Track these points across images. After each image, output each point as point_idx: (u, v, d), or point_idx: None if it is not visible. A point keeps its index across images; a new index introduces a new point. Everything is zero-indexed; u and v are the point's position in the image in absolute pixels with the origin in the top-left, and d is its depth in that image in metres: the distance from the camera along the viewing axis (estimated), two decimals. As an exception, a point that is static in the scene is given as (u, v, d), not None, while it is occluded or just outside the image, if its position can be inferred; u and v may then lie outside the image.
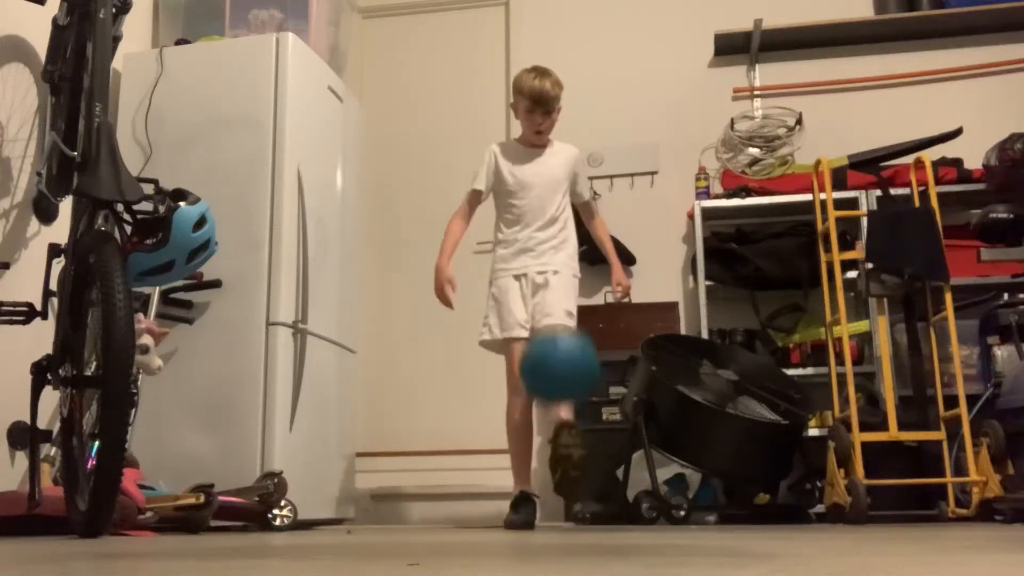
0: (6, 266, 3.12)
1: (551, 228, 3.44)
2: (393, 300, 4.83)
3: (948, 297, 3.41)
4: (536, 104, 3.41)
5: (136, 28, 4.01)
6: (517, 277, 3.42)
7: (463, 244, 4.85)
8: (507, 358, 3.39)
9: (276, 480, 3.20)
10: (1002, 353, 3.56)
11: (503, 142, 3.66)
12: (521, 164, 3.50)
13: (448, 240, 3.48)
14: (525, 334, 3.33)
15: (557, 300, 3.36)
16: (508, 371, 3.39)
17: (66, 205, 2.89)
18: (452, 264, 3.43)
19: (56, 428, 2.61)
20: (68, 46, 2.99)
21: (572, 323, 3.38)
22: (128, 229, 2.40)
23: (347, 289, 4.21)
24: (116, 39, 3.04)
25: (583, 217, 3.69)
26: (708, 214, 4.36)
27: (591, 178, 4.34)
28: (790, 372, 4.06)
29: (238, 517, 3.15)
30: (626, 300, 3.70)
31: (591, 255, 4.04)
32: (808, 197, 3.87)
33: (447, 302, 3.42)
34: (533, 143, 3.52)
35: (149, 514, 2.68)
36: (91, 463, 2.22)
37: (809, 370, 4.11)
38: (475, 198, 3.54)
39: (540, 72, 3.43)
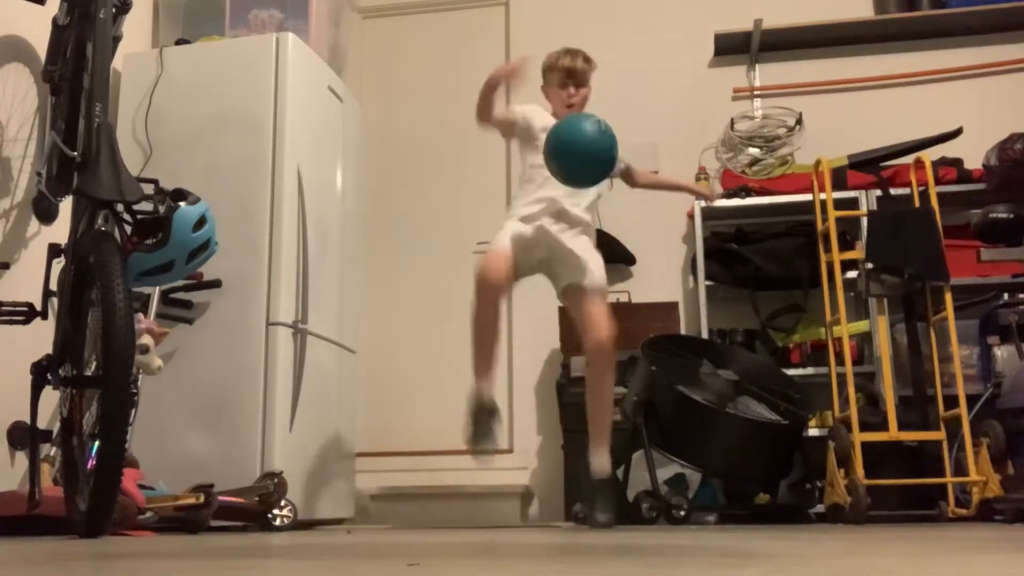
0: (6, 266, 3.12)
1: (576, 198, 3.21)
2: (393, 300, 4.83)
3: (948, 297, 3.41)
4: (569, 76, 3.36)
5: (136, 28, 4.01)
6: (524, 220, 3.19)
7: (464, 244, 4.85)
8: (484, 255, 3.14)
9: (276, 480, 3.20)
10: (1002, 353, 3.56)
11: (539, 107, 3.49)
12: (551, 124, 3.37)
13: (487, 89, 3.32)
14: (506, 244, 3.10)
15: (590, 258, 3.18)
16: (479, 265, 3.11)
17: (66, 205, 2.89)
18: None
19: (56, 428, 2.61)
20: (68, 46, 2.99)
21: (605, 284, 3.21)
22: (128, 229, 2.40)
23: (347, 289, 4.21)
24: (116, 39, 3.04)
25: (631, 183, 3.56)
26: (708, 214, 4.36)
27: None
28: (790, 372, 4.06)
29: (238, 517, 3.15)
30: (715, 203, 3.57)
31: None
32: (808, 197, 3.87)
33: (515, 69, 3.27)
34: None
35: (149, 514, 2.68)
36: (91, 463, 2.22)
37: (809, 370, 4.11)
38: (506, 116, 3.38)
39: (571, 51, 3.41)
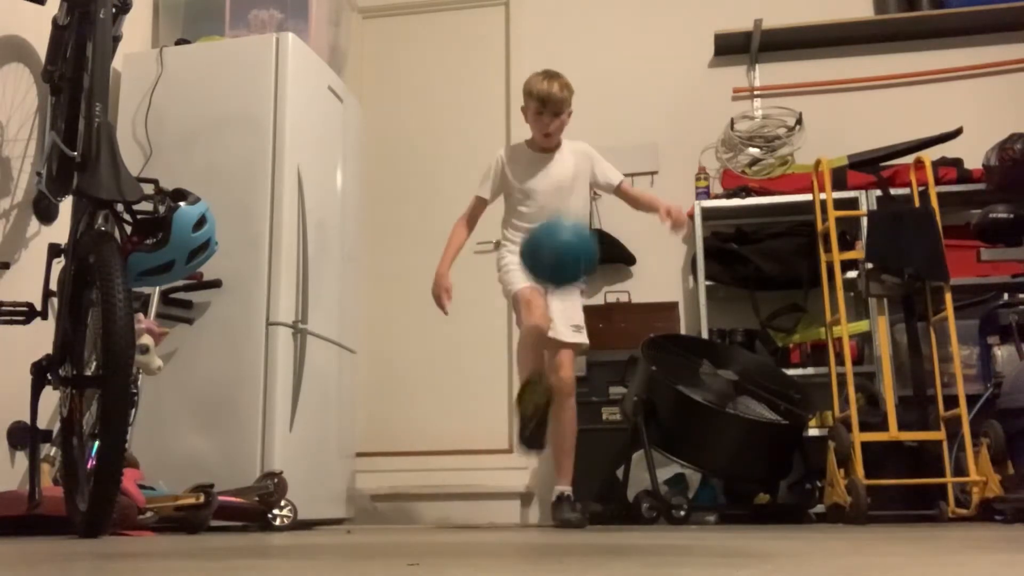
0: (6, 266, 3.12)
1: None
2: (393, 300, 4.83)
3: (948, 297, 3.41)
4: (544, 105, 3.40)
5: (136, 28, 4.01)
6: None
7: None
8: (516, 310, 3.40)
9: (276, 480, 3.20)
10: (1002, 353, 3.56)
11: (513, 145, 3.64)
12: (529, 170, 3.47)
13: (450, 246, 3.48)
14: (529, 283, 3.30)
15: (568, 312, 3.37)
16: (520, 321, 3.39)
17: (66, 205, 2.89)
18: (451, 270, 3.41)
19: (56, 428, 2.61)
20: (68, 46, 2.99)
21: (581, 338, 3.39)
22: (128, 229, 2.40)
23: (347, 289, 4.21)
24: (116, 39, 3.04)
25: (628, 203, 3.62)
26: (708, 214, 4.36)
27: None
28: (790, 372, 4.06)
29: (238, 517, 3.15)
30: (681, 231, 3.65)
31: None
32: (808, 197, 3.87)
33: (443, 308, 3.43)
34: (542, 146, 3.50)
35: (149, 514, 2.68)
36: (91, 463, 2.22)
37: (809, 370, 4.11)
38: (480, 205, 3.53)
39: (549, 75, 3.44)
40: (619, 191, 3.59)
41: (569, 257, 2.95)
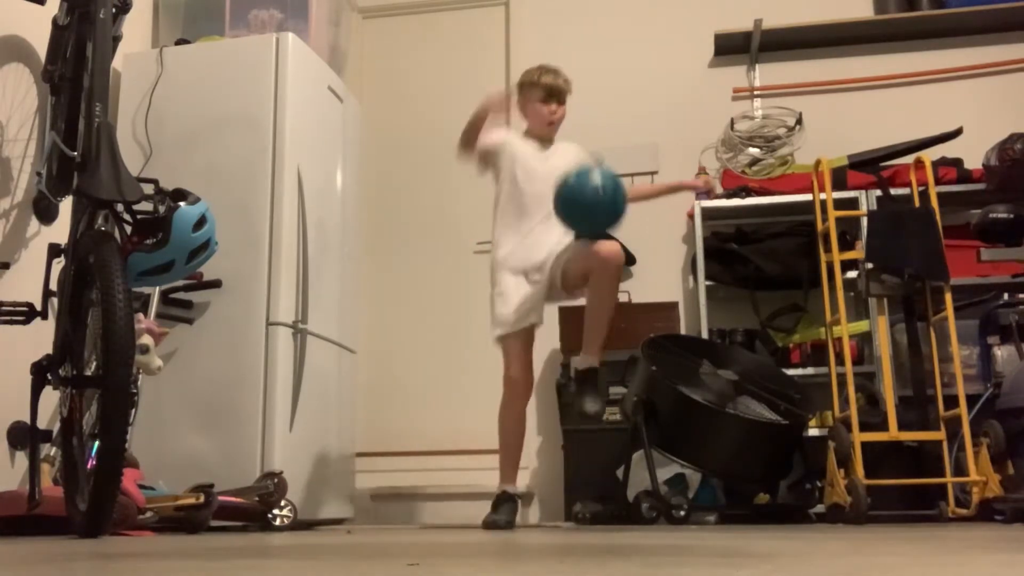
0: (6, 266, 3.13)
1: (549, 221, 3.38)
2: (393, 300, 4.83)
3: (948, 297, 3.41)
4: (551, 95, 3.47)
5: (136, 28, 4.01)
6: (515, 272, 3.41)
7: (464, 243, 4.86)
8: (504, 354, 3.39)
9: (276, 480, 3.20)
10: (1002, 353, 3.56)
11: (518, 135, 3.65)
12: (531, 153, 3.49)
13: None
14: (524, 324, 3.35)
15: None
16: (505, 367, 3.39)
17: (66, 205, 2.89)
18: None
19: (56, 428, 2.61)
20: (68, 46, 2.99)
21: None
22: (128, 229, 2.40)
23: (347, 289, 4.21)
24: (116, 39, 3.04)
25: (636, 200, 3.64)
26: (708, 214, 4.36)
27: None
28: (790, 372, 4.06)
29: (238, 517, 3.15)
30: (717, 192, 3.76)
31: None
32: (808, 197, 3.87)
33: (495, 98, 3.39)
34: (542, 135, 3.52)
35: (149, 514, 2.68)
36: (91, 463, 2.22)
37: (809, 370, 4.11)
38: (492, 145, 3.48)
39: (550, 68, 3.52)
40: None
41: (606, 198, 3.02)
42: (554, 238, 3.39)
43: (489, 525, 3.26)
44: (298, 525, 3.30)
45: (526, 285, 3.39)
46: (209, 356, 3.52)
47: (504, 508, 3.31)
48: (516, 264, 3.42)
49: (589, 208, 3.11)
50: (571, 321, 3.87)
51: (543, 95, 3.46)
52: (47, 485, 2.70)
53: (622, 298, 4.48)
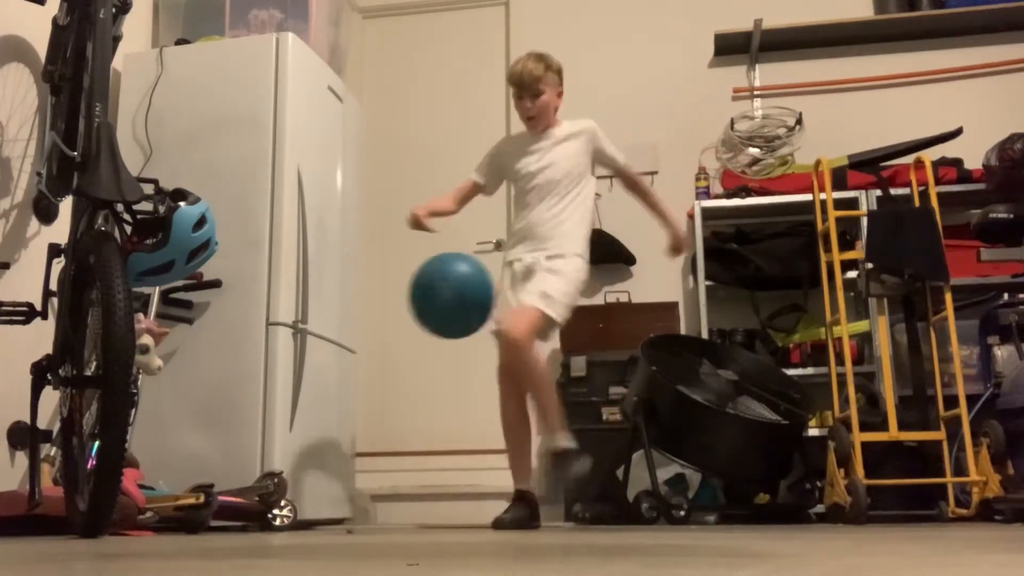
0: (6, 266, 3.12)
1: (553, 210, 3.36)
2: (393, 300, 4.81)
3: (948, 297, 3.41)
4: (519, 88, 3.39)
5: (136, 28, 4.01)
6: (510, 264, 3.42)
7: (464, 244, 4.85)
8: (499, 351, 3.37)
9: (276, 480, 3.20)
10: (1002, 353, 3.56)
11: (515, 134, 3.65)
12: (523, 152, 3.46)
13: (434, 199, 3.48)
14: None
15: (536, 282, 3.30)
16: (499, 364, 3.37)
17: (66, 205, 2.89)
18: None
19: (56, 428, 2.61)
20: (68, 46, 2.99)
21: (544, 304, 3.24)
22: (128, 229, 2.40)
23: (347, 289, 4.21)
24: (116, 39, 3.04)
25: (626, 187, 3.62)
26: (708, 214, 4.36)
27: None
28: (790, 372, 4.06)
29: (238, 517, 3.15)
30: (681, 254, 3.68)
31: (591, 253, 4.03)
32: (808, 197, 3.87)
33: (422, 226, 3.39)
34: (530, 129, 3.49)
35: (149, 514, 2.68)
36: (91, 463, 2.22)
37: (809, 370, 4.11)
38: (469, 185, 3.54)
39: (525, 57, 3.42)
40: (623, 173, 3.58)
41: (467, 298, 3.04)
42: (557, 239, 3.37)
43: (495, 524, 3.25)
44: (298, 525, 3.30)
45: (512, 280, 3.40)
46: (209, 356, 3.52)
47: (515, 507, 3.29)
48: (512, 256, 3.42)
49: (446, 324, 3.15)
50: (571, 321, 3.86)
51: (514, 90, 3.42)
52: (47, 485, 2.70)
53: (622, 298, 4.48)
